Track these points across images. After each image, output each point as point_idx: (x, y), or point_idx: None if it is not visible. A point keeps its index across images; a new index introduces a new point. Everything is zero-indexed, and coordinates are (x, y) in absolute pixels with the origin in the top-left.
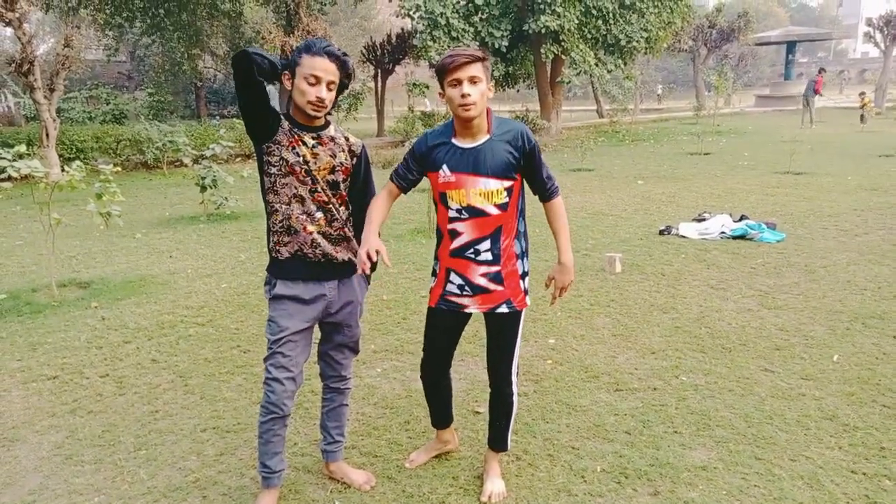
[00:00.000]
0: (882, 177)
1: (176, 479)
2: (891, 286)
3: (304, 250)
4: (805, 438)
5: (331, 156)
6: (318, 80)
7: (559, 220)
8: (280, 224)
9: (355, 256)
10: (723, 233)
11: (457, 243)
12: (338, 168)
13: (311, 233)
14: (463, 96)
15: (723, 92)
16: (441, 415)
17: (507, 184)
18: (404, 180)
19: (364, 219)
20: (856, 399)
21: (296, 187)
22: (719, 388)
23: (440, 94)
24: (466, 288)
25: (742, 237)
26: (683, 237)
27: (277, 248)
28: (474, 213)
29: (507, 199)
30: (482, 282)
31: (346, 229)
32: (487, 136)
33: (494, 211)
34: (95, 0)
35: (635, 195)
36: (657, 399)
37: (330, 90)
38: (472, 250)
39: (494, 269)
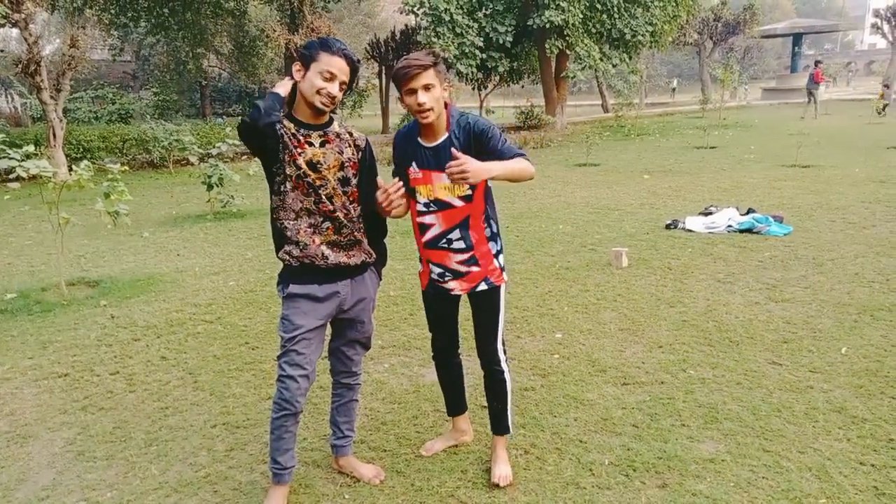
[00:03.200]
0: (890, 169)
1: (187, 475)
2: None
3: (316, 262)
4: (813, 431)
5: (338, 153)
6: (332, 77)
7: (514, 161)
8: (289, 239)
9: (369, 257)
10: (730, 226)
11: (428, 235)
12: (347, 164)
13: (319, 245)
14: (419, 104)
15: (729, 85)
16: (455, 400)
17: None
18: (398, 174)
19: (372, 216)
20: (864, 391)
21: (301, 201)
22: (727, 381)
23: (399, 99)
24: (447, 274)
25: (749, 230)
26: (690, 231)
27: (288, 258)
28: (441, 205)
29: (470, 192)
30: (459, 267)
31: (355, 233)
32: (446, 135)
33: (459, 203)
34: (100, 0)
35: (641, 189)
36: (665, 392)
37: (341, 89)
38: (444, 240)
39: (468, 254)
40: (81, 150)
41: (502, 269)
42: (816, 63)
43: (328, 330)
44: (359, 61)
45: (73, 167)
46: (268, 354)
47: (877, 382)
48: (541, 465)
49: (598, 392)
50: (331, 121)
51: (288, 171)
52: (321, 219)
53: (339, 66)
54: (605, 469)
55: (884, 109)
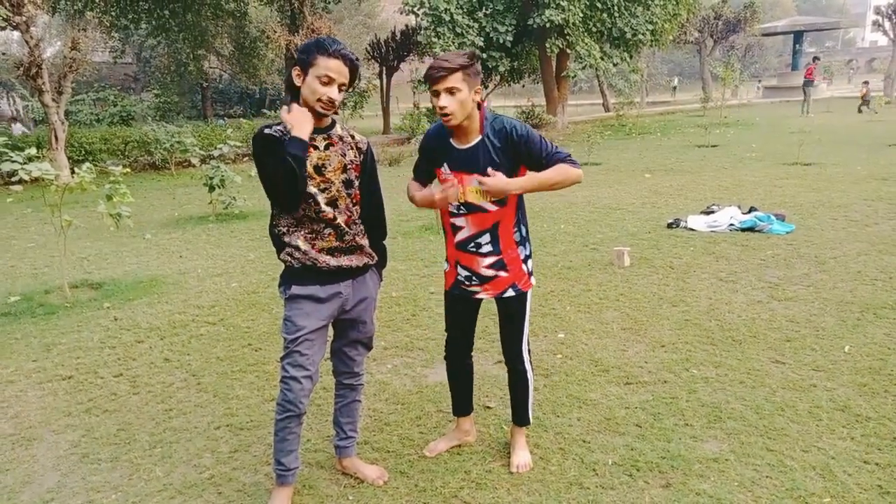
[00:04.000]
0: (892, 166)
1: (191, 476)
2: None
3: (318, 265)
4: (817, 429)
5: (341, 155)
6: (331, 81)
7: (551, 170)
8: (291, 245)
9: (371, 260)
10: (732, 225)
11: (459, 237)
12: (349, 166)
13: (321, 251)
14: (441, 108)
15: (731, 83)
16: (462, 401)
17: None
18: (423, 174)
19: (372, 218)
20: (868, 389)
21: (302, 209)
22: (730, 380)
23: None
24: (474, 278)
25: (751, 229)
26: (692, 230)
27: (290, 259)
28: (472, 209)
29: (504, 197)
30: (488, 272)
31: (357, 238)
32: (479, 137)
33: (492, 207)
34: (101, 2)
35: (643, 188)
36: (668, 392)
37: (340, 91)
38: (473, 244)
39: (496, 258)
40: (83, 152)
41: (530, 273)
42: (814, 59)
43: (330, 331)
44: (357, 60)
45: (75, 169)
46: (271, 356)
47: (880, 381)
48: (544, 465)
49: (602, 392)
50: (333, 123)
51: None
52: (322, 225)
53: (336, 68)
54: (608, 469)
55: (867, 106)
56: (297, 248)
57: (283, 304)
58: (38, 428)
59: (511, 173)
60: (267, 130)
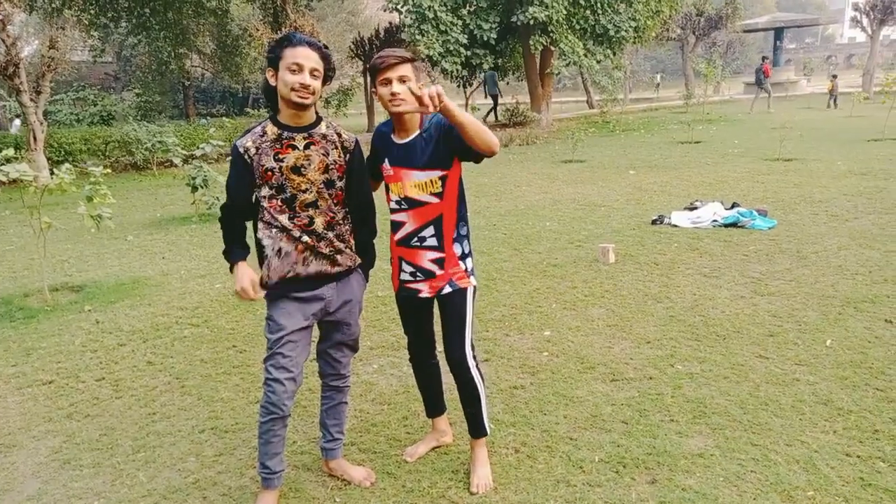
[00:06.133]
0: (871, 161)
1: (175, 481)
2: (882, 270)
3: (297, 269)
4: (800, 423)
5: (323, 154)
6: (300, 68)
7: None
8: (269, 254)
9: (353, 263)
10: (715, 221)
11: (401, 233)
12: (331, 167)
13: (296, 260)
14: (392, 94)
15: (712, 80)
16: (433, 402)
17: (439, 173)
18: (372, 170)
19: (359, 218)
20: (849, 383)
21: (276, 217)
22: (714, 375)
23: (373, 91)
24: (418, 273)
25: (734, 225)
26: (676, 226)
27: (268, 272)
28: (413, 203)
29: (441, 189)
30: (430, 266)
31: (336, 242)
32: (418, 132)
33: (432, 199)
34: (80, 0)
35: (627, 185)
36: (653, 388)
37: (314, 77)
38: (416, 238)
39: (440, 254)
40: (63, 152)
41: (468, 272)
42: (763, 59)
43: (316, 332)
44: (326, 47)
45: (55, 170)
46: (255, 357)
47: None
48: (531, 463)
49: (588, 389)
50: (318, 121)
51: (262, 192)
52: (298, 233)
53: (303, 54)
54: (595, 466)
55: (833, 103)
56: (277, 254)
57: (266, 304)
58: (17, 434)
59: (447, 162)
60: (237, 142)
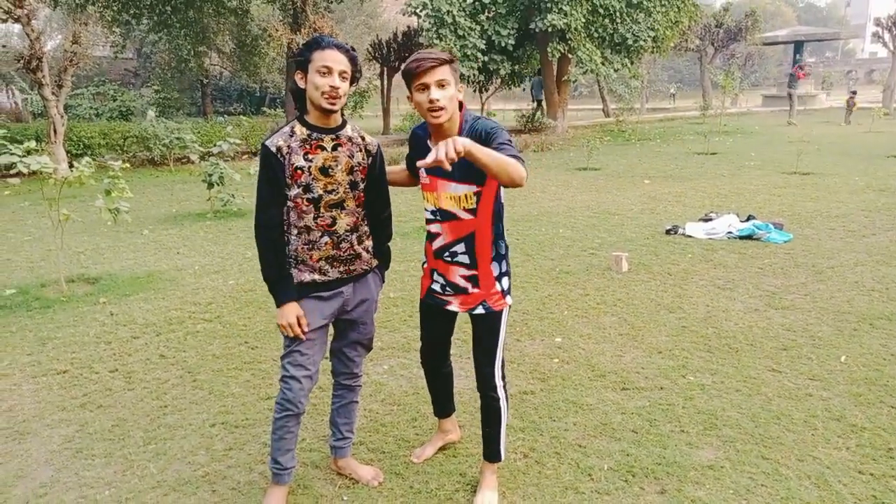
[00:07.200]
0: (890, 178)
1: (185, 474)
2: None
3: (314, 276)
4: (812, 439)
5: (349, 156)
6: (329, 71)
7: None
8: (291, 254)
9: (369, 265)
10: (730, 233)
11: (436, 245)
12: (356, 168)
13: (317, 261)
14: (431, 101)
15: (730, 91)
16: (442, 403)
17: (474, 188)
18: (409, 166)
19: (378, 221)
20: (863, 400)
21: (301, 217)
22: (726, 387)
23: (408, 97)
24: (448, 287)
25: (749, 237)
26: (690, 237)
27: (292, 271)
28: (446, 216)
29: (475, 205)
30: (461, 282)
31: (355, 246)
32: None
33: (465, 216)
34: None
35: (642, 194)
36: (664, 398)
37: (343, 79)
38: (448, 253)
39: (472, 272)
40: (82, 146)
41: (504, 292)
42: (798, 65)
43: (330, 331)
44: (353, 49)
45: (74, 164)
46: (267, 354)
47: (876, 391)
48: (540, 469)
49: (598, 397)
50: (344, 123)
51: (290, 192)
52: (319, 234)
53: (332, 57)
54: (603, 474)
55: (847, 119)
56: (296, 258)
57: None
58: (31, 422)
59: (482, 178)
60: (268, 142)
